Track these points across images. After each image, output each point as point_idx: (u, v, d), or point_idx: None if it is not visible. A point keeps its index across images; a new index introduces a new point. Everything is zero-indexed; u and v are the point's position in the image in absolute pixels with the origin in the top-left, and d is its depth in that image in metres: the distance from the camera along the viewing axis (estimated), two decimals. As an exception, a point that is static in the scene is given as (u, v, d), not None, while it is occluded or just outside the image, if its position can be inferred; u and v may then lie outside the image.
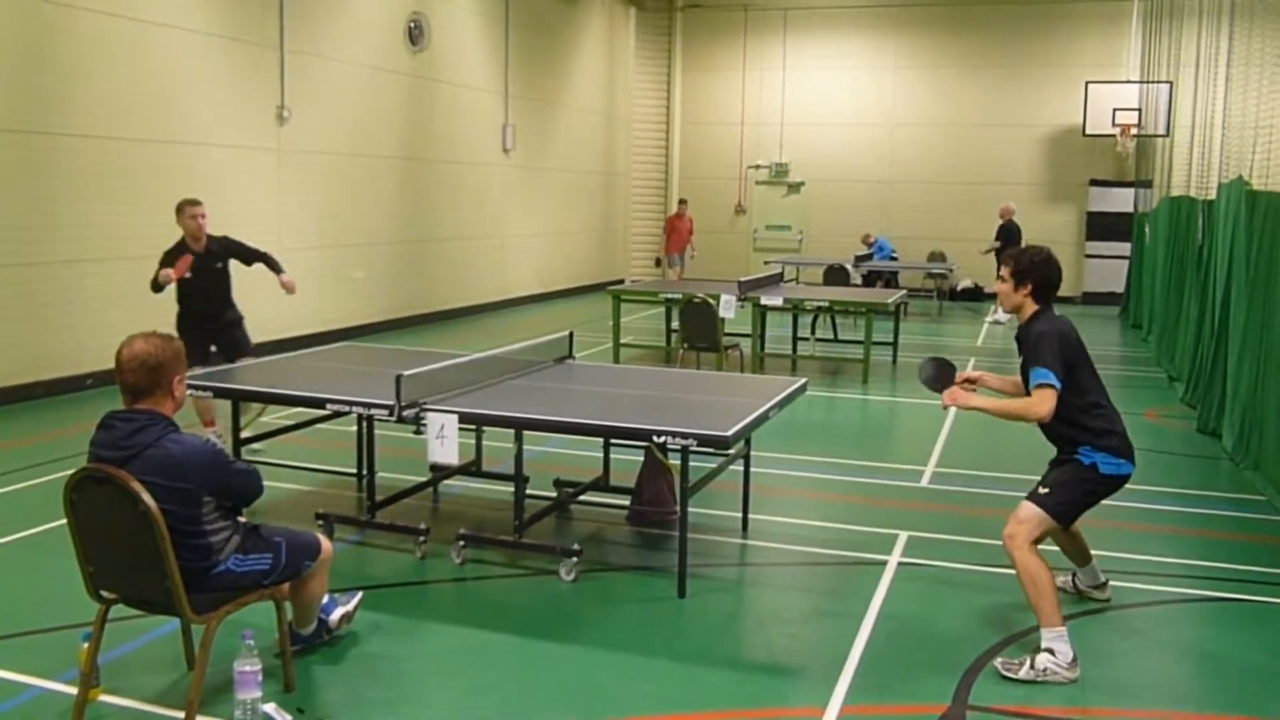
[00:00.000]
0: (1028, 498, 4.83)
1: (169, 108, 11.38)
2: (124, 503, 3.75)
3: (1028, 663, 4.56)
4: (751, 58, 23.90)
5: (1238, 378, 8.52)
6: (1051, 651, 4.55)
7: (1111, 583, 5.59)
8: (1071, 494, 4.81)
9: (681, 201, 22.11)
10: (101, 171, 10.63)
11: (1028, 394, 4.77)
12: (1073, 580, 5.54)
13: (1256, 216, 8.13)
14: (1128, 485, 7.20)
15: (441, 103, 16.61)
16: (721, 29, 24.04)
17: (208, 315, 8.18)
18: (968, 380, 5.18)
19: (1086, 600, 5.49)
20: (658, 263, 19.28)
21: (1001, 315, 17.77)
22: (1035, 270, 4.85)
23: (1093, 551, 6.21)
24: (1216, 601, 5.66)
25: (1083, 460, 4.79)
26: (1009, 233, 17.97)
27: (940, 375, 5.21)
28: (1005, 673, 4.57)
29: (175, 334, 4.04)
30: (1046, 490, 4.81)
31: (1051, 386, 4.61)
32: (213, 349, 8.10)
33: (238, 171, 12.46)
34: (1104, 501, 7.30)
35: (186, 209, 8.13)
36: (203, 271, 8.10)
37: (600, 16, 22.30)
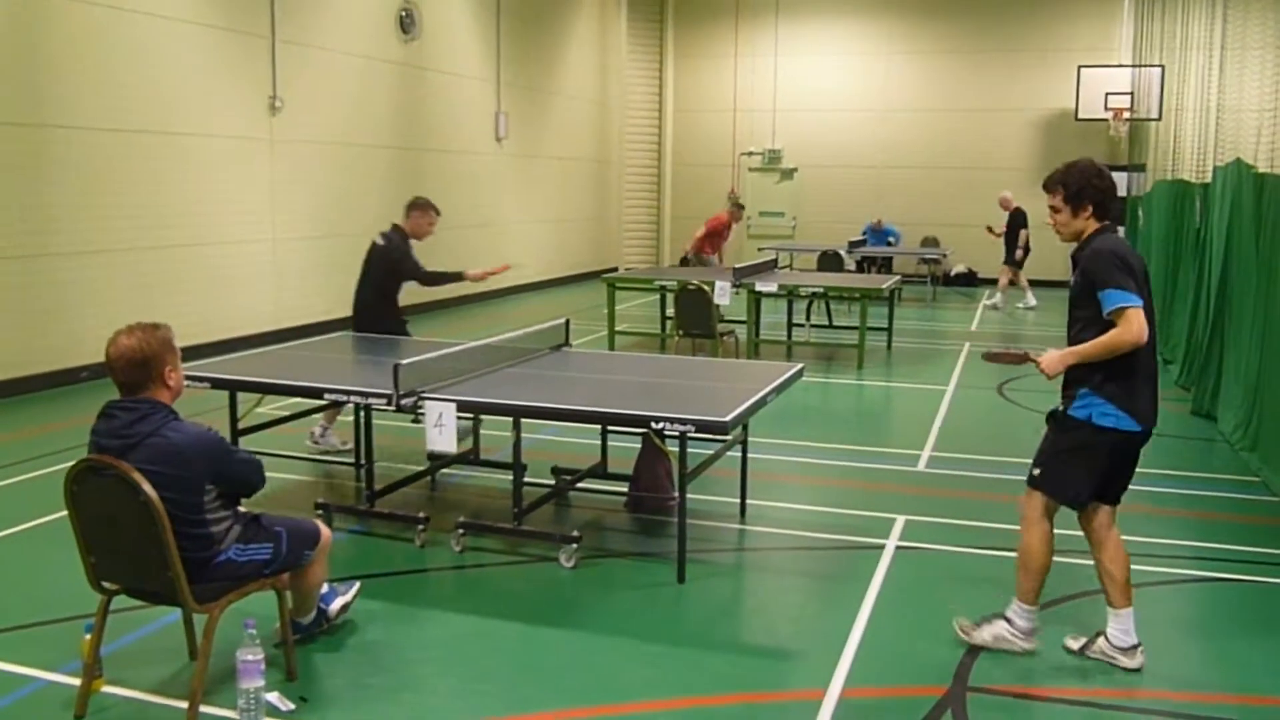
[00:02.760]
0: (1027, 481, 4.58)
1: (161, 98, 11.34)
2: (125, 492, 3.75)
3: (984, 628, 4.59)
4: (743, 44, 23.86)
5: (1237, 360, 8.53)
6: (1009, 621, 4.53)
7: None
8: (1061, 469, 4.42)
9: (739, 206, 17.41)
10: (93, 163, 10.59)
11: (1071, 331, 4.37)
12: (1095, 639, 4.60)
13: (1264, 200, 8.13)
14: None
15: (434, 91, 16.57)
16: (713, 15, 23.99)
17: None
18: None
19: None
20: (684, 261, 17.87)
21: (999, 299, 17.76)
22: (1090, 187, 4.35)
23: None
24: (1214, 582, 5.69)
25: (1074, 416, 4.37)
26: (1019, 221, 17.75)
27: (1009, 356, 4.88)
28: (961, 634, 4.60)
29: (160, 322, 4.00)
30: (1038, 470, 4.50)
31: (1134, 306, 4.13)
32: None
33: (230, 162, 12.42)
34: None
35: (432, 213, 8.46)
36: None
37: (592, 3, 22.24)
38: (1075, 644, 4.68)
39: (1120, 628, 4.53)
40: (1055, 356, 4.37)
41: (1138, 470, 6.31)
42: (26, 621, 4.91)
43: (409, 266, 8.14)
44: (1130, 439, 4.36)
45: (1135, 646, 4.51)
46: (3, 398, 9.73)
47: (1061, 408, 4.48)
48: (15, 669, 4.41)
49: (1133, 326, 4.14)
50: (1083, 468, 4.40)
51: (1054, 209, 4.46)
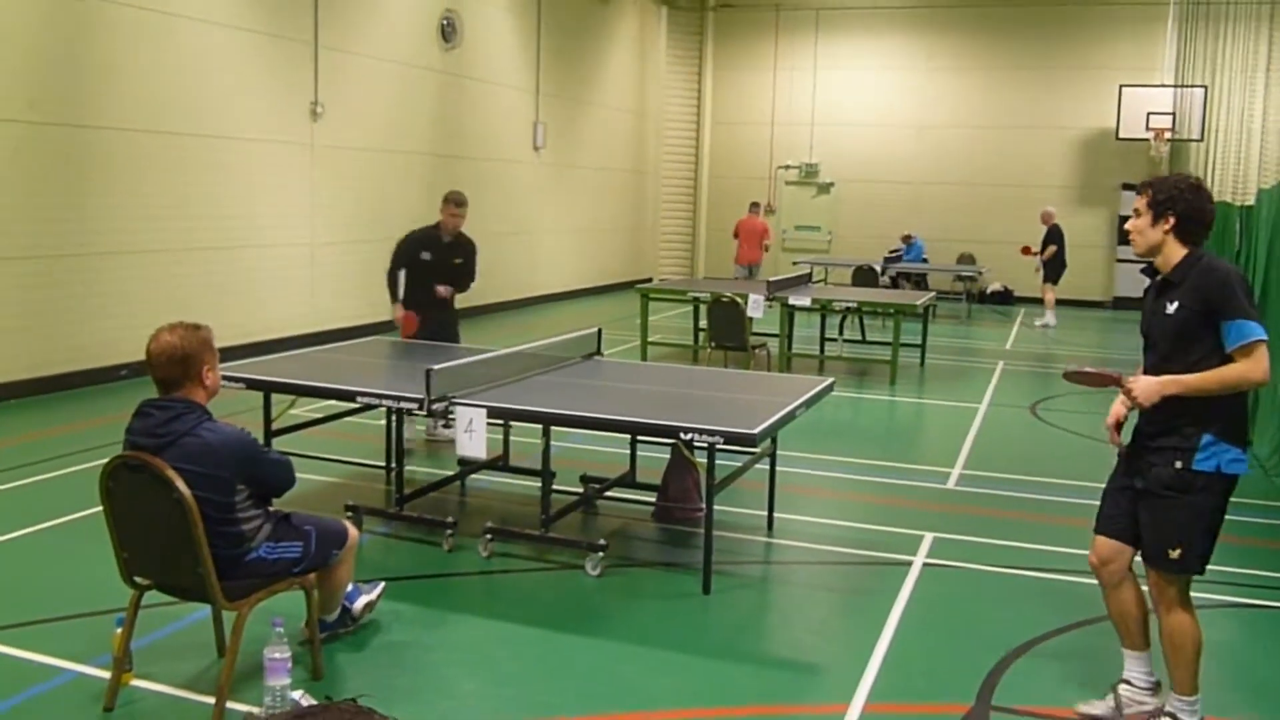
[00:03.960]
0: (1154, 565, 3.94)
1: (203, 102, 11.49)
2: (159, 490, 3.81)
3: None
4: (783, 57, 23.86)
5: (1274, 386, 8.44)
6: (1173, 717, 3.93)
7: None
8: (1201, 540, 3.86)
9: (755, 204, 19.55)
10: (135, 164, 10.74)
11: (1171, 366, 3.82)
12: (1114, 693, 4.20)
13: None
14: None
15: (473, 100, 16.68)
16: (753, 29, 24.01)
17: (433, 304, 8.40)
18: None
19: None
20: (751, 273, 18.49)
21: (1051, 319, 17.63)
22: (1180, 199, 3.82)
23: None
24: (1245, 608, 5.63)
25: (1202, 471, 3.78)
26: (1056, 237, 17.75)
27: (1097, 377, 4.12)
28: None
29: (201, 323, 4.07)
30: (1178, 553, 3.85)
31: (1263, 340, 3.65)
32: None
33: (271, 166, 12.56)
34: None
35: (449, 204, 8.52)
36: (440, 260, 8.41)
37: (632, 16, 22.32)
38: (1100, 708, 4.21)
39: (1141, 667, 4.17)
40: (1153, 384, 3.81)
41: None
42: (60, 614, 4.98)
43: (393, 257, 8.43)
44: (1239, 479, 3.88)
45: (1159, 684, 4.17)
46: (42, 394, 9.87)
47: (1178, 464, 3.84)
48: (48, 660, 4.48)
49: (1262, 364, 3.67)
50: (1213, 528, 3.87)
51: (1136, 211, 3.97)
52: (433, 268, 8.33)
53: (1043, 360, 14.54)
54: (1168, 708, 4.00)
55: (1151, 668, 4.18)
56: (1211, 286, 3.75)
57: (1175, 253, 3.88)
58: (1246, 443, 3.85)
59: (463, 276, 8.57)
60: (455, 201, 8.44)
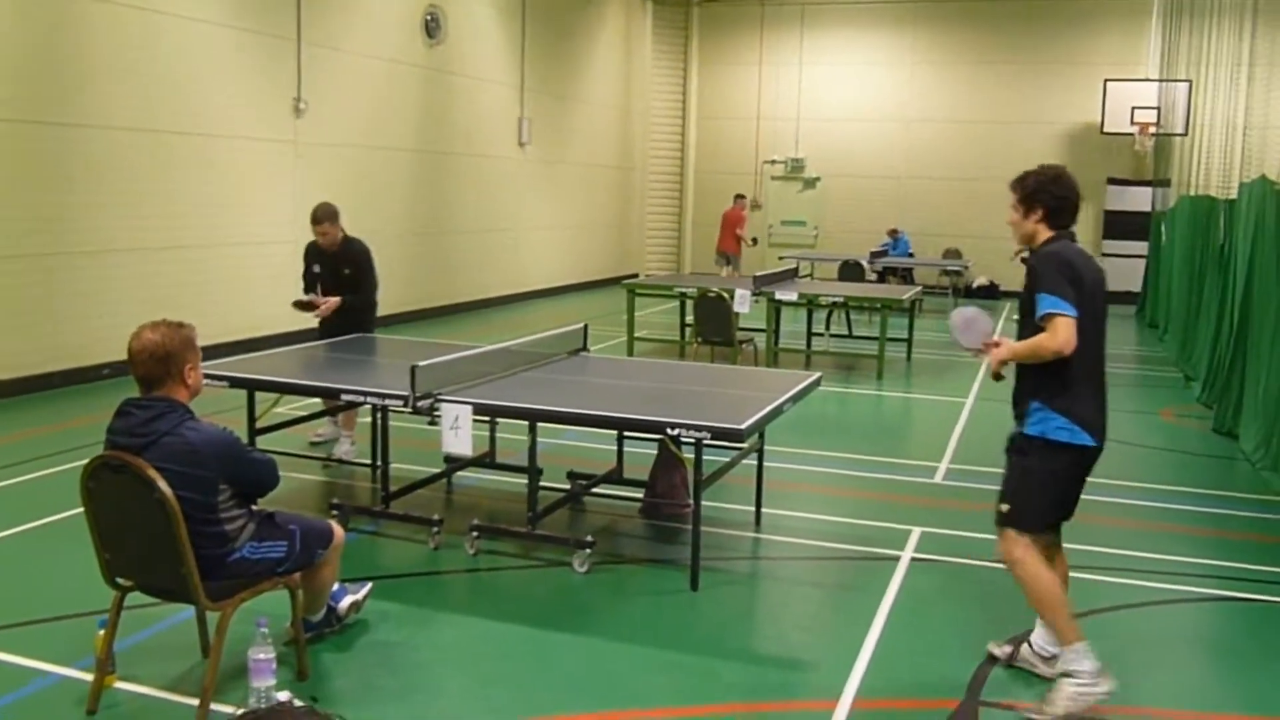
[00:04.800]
0: (996, 521, 4.34)
1: (185, 99, 11.42)
2: (140, 490, 3.76)
3: (1054, 700, 4.11)
4: (768, 52, 23.85)
5: (1261, 378, 8.46)
6: (1072, 675, 4.09)
7: (1128, 582, 5.54)
8: (1026, 498, 4.23)
9: (740, 196, 20.29)
10: (117, 162, 10.66)
11: (1025, 335, 4.20)
12: (1013, 650, 4.60)
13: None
14: (1145, 484, 7.20)
15: (458, 96, 16.63)
16: (738, 24, 23.99)
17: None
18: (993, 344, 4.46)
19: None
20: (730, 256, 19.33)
21: None
22: (1044, 191, 4.24)
23: (1107, 550, 6.21)
24: (1233, 601, 5.63)
25: (1030, 435, 4.20)
26: None
27: (975, 325, 4.57)
28: (1037, 715, 4.13)
29: (184, 321, 4.03)
30: (1006, 507, 4.28)
31: (1064, 315, 3.99)
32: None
33: (254, 163, 12.49)
34: (1119, 500, 7.32)
35: (312, 226, 8.04)
36: (329, 272, 8.07)
37: (617, 11, 22.29)
38: (1000, 651, 4.64)
39: (1047, 638, 4.44)
40: (996, 352, 4.32)
41: (1158, 488, 6.25)
42: (41, 616, 4.93)
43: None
44: (1085, 454, 4.20)
45: (1054, 657, 4.37)
46: (24, 394, 9.80)
47: (1017, 429, 4.32)
48: (29, 663, 4.44)
49: (1059, 335, 3.99)
50: (1045, 488, 4.23)
51: (1011, 207, 4.38)
52: (323, 280, 8.04)
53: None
54: (1060, 666, 4.19)
55: (1053, 639, 4.35)
56: (1037, 265, 4.16)
57: (1044, 237, 4.28)
58: (1088, 419, 4.12)
59: (354, 287, 8.07)
60: (314, 219, 7.98)
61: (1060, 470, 4.21)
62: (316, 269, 8.06)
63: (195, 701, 3.99)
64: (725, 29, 24.15)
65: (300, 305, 8.00)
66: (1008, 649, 4.65)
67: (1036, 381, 4.19)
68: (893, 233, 21.57)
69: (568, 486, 6.83)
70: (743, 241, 19.72)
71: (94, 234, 10.44)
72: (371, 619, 4.92)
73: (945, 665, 4.66)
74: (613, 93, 22.45)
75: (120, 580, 4.07)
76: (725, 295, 11.55)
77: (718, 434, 5.13)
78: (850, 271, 18.07)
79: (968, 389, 11.31)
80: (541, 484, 6.10)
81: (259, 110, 12.52)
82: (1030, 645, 4.54)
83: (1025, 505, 4.24)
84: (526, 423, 5.74)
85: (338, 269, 8.01)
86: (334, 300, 7.85)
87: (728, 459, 6.24)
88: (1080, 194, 4.31)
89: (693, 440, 5.17)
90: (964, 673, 4.57)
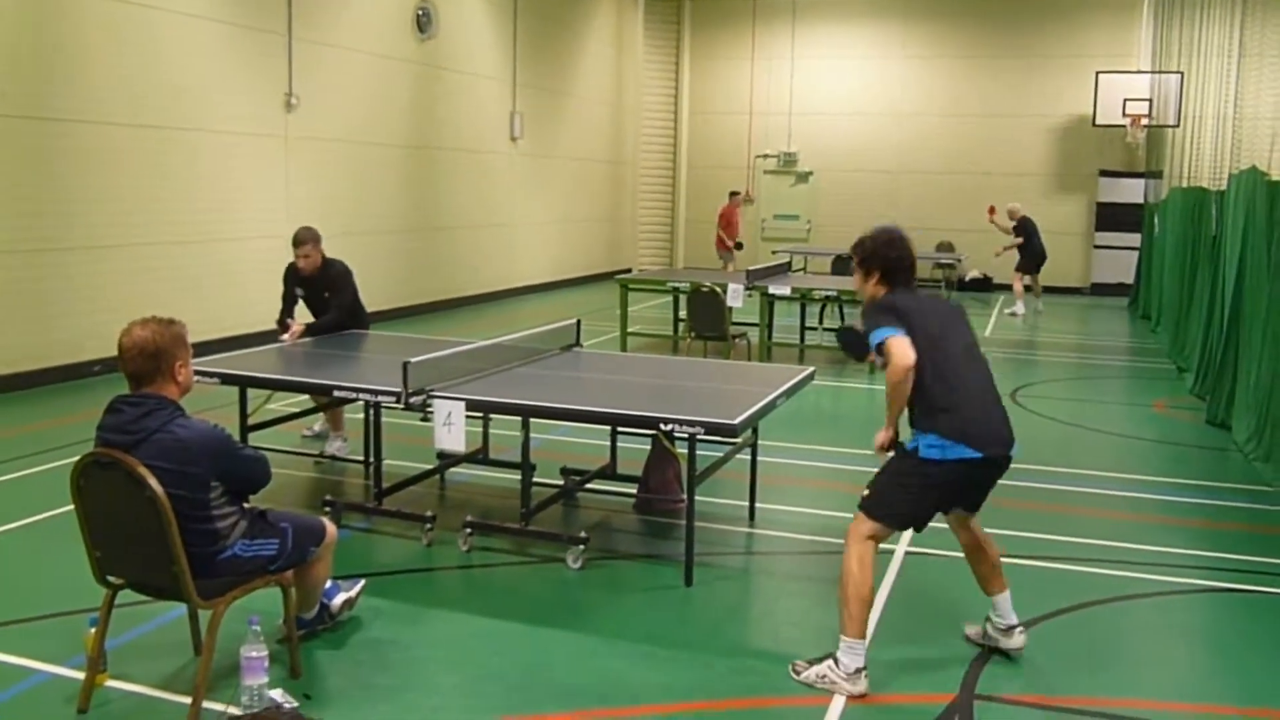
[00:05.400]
0: (858, 503, 4.48)
1: (176, 94, 11.37)
2: (131, 487, 3.75)
3: (812, 668, 4.37)
4: (760, 47, 23.82)
5: (1252, 369, 8.47)
6: (836, 661, 4.32)
7: (1120, 574, 5.54)
8: (890, 492, 4.38)
9: (734, 193, 20.29)
10: (108, 157, 10.62)
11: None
12: (983, 629, 4.77)
13: (1276, 209, 8.08)
14: (1137, 476, 7.20)
15: (449, 91, 16.58)
16: (730, 18, 23.96)
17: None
18: None
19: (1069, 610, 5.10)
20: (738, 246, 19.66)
21: (1020, 308, 17.72)
22: (876, 256, 4.55)
23: (1099, 541, 6.22)
24: (1225, 593, 5.64)
25: (904, 446, 4.40)
26: (1027, 229, 17.87)
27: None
28: (792, 673, 4.41)
29: (175, 318, 4.00)
30: (867, 492, 4.44)
31: (890, 337, 4.21)
32: None
33: (245, 158, 12.45)
34: (1111, 492, 7.32)
35: (294, 248, 7.83)
36: (311, 296, 8.03)
37: (609, 5, 22.25)
38: (972, 631, 4.81)
39: (1001, 610, 4.63)
40: (879, 435, 4.53)
41: (1151, 479, 6.24)
42: (31, 615, 4.91)
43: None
44: (971, 465, 4.30)
45: (1015, 627, 4.61)
46: (14, 391, 9.76)
47: (902, 439, 4.51)
48: (19, 661, 4.42)
49: (893, 354, 4.19)
50: (910, 494, 4.35)
51: (853, 270, 4.69)
52: (309, 302, 8.03)
53: (1026, 349, 14.58)
54: (837, 650, 4.36)
55: (1005, 610, 4.61)
56: (861, 320, 4.46)
57: (879, 294, 4.56)
58: (961, 432, 4.24)
59: (332, 308, 8.00)
60: (296, 242, 7.81)
61: (930, 480, 4.32)
62: (300, 292, 7.98)
63: (188, 700, 3.97)
64: (717, 23, 24.12)
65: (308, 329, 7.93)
66: (977, 629, 4.80)
67: (916, 410, 4.35)
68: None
69: (561, 482, 6.82)
70: (730, 241, 19.58)
71: (85, 229, 10.40)
72: (364, 616, 4.91)
73: (940, 659, 4.66)
74: (605, 87, 22.41)
75: (111, 578, 4.05)
76: (718, 290, 11.54)
77: (711, 429, 5.12)
78: (843, 266, 18.01)
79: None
80: (535, 480, 6.09)
81: (250, 105, 12.48)
82: (989, 620, 4.69)
83: (884, 499, 4.39)
84: (519, 418, 5.72)
85: (319, 292, 7.95)
86: (299, 328, 7.74)
87: (721, 454, 6.23)
88: (914, 254, 4.59)
89: (686, 435, 5.16)
90: (959, 667, 4.57)
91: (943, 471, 4.29)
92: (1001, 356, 13.52)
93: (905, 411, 4.37)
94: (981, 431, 4.30)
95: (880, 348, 4.26)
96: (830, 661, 4.34)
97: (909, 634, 4.95)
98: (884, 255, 4.55)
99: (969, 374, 4.40)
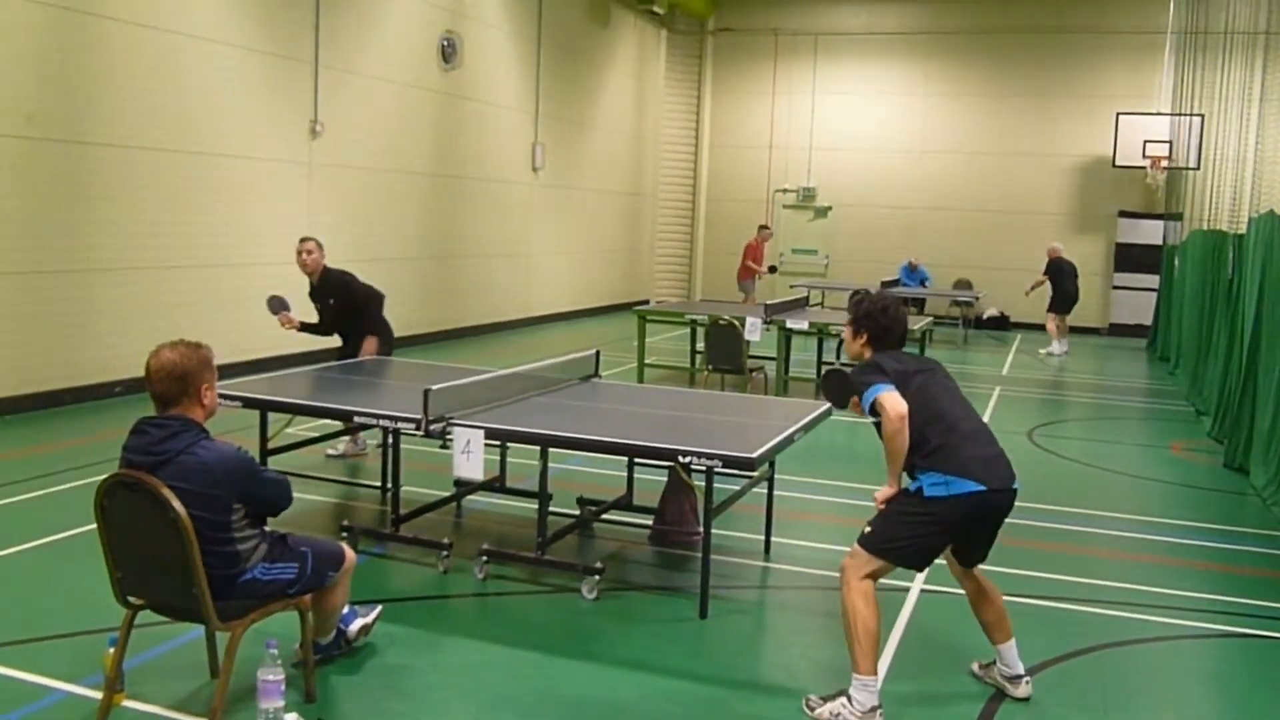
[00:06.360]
0: (857, 540, 4.53)
1: (202, 120, 11.51)
2: (154, 509, 3.78)
3: (826, 705, 4.37)
4: (781, 81, 23.95)
5: (1270, 413, 8.44)
6: (849, 699, 4.32)
7: (1135, 616, 5.51)
8: (894, 528, 4.42)
9: (763, 227, 20.02)
10: (133, 181, 10.74)
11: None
12: (987, 668, 4.83)
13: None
14: (1153, 518, 7.18)
15: (472, 120, 16.73)
16: (752, 52, 24.11)
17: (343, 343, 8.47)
18: None
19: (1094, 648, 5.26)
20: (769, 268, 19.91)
21: (1055, 348, 17.69)
22: (869, 319, 4.69)
23: (1114, 584, 6.19)
24: (1240, 638, 5.61)
25: (908, 489, 4.46)
26: (1058, 268, 17.91)
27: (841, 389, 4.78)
28: (806, 709, 4.42)
29: (202, 343, 4.06)
30: (869, 528, 4.49)
31: (881, 392, 4.34)
32: None
33: (269, 184, 12.57)
34: (1128, 534, 7.29)
35: (297, 244, 8.27)
36: (319, 306, 8.33)
37: (631, 38, 22.42)
38: (978, 667, 4.86)
39: (1008, 660, 4.68)
40: (882, 491, 4.59)
41: (1166, 522, 6.19)
42: (51, 633, 4.94)
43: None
44: (976, 500, 4.34)
45: (1021, 676, 4.65)
46: (36, 410, 9.84)
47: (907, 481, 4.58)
48: (38, 679, 4.44)
49: (887, 408, 4.32)
50: (915, 533, 4.40)
51: (846, 324, 4.84)
52: (320, 314, 8.43)
53: (1044, 387, 14.55)
54: (850, 687, 4.37)
55: (1011, 660, 4.67)
56: (852, 382, 4.56)
57: (866, 355, 4.70)
58: (963, 468, 4.33)
59: (342, 317, 8.29)
60: (302, 238, 8.37)
61: (940, 518, 4.37)
62: (314, 302, 8.39)
63: (204, 721, 4.00)
64: (739, 57, 24.27)
65: (304, 327, 8.30)
66: (983, 666, 4.86)
67: (918, 449, 4.42)
68: (912, 266, 21.55)
69: (577, 512, 6.83)
70: (757, 273, 19.42)
71: (107, 252, 10.51)
72: (380, 642, 4.93)
73: (954, 698, 4.65)
74: (626, 119, 22.55)
75: (132, 598, 4.08)
76: (736, 323, 11.57)
77: (729, 462, 5.14)
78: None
79: (977, 420, 11.27)
80: (551, 509, 6.11)
81: (274, 132, 12.61)
82: (997, 666, 4.74)
83: (887, 535, 4.44)
84: (538, 448, 5.75)
85: (325, 302, 8.27)
86: (296, 321, 8.22)
87: (738, 487, 6.24)
88: (905, 325, 4.73)
89: (704, 468, 5.18)
90: (974, 706, 4.56)
91: (949, 509, 4.34)
92: (1019, 396, 13.50)
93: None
94: (982, 466, 4.37)
95: (874, 407, 4.39)
96: (844, 699, 4.33)
97: (923, 672, 4.94)
98: (875, 320, 4.70)
99: (961, 415, 4.51)
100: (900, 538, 4.40)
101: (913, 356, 4.71)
